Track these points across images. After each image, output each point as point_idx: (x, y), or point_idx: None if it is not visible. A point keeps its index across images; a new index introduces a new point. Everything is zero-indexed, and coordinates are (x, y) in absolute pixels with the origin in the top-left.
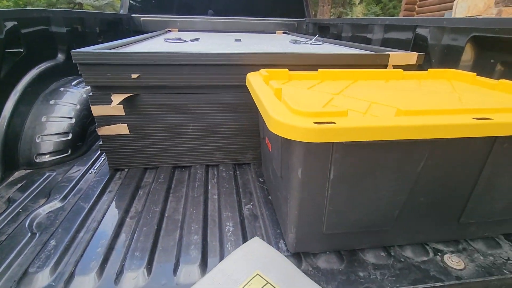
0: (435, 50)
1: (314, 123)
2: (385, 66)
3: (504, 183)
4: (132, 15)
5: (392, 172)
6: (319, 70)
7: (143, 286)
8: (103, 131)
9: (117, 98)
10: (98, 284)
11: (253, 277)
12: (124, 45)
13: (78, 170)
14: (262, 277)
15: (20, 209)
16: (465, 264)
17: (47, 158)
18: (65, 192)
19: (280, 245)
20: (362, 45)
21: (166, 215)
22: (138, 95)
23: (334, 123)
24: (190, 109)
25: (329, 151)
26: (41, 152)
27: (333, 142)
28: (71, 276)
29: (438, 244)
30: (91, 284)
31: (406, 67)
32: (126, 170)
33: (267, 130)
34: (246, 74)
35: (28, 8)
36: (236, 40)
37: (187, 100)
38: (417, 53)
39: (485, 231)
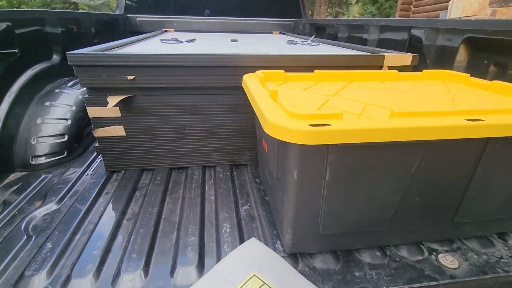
0: (429, 51)
1: (310, 125)
2: (381, 67)
3: (496, 183)
4: (128, 15)
5: (386, 173)
6: (315, 71)
7: None
8: (99, 132)
9: (113, 100)
10: (95, 287)
11: (250, 278)
12: (120, 46)
13: (74, 172)
14: (259, 278)
15: (16, 211)
16: (459, 263)
17: (42, 160)
18: (61, 194)
19: (276, 246)
20: (357, 45)
21: (163, 216)
22: (134, 96)
23: (329, 125)
24: (187, 110)
25: (324, 153)
26: (36, 154)
27: (328, 144)
28: (68, 279)
29: (433, 243)
30: (88, 287)
31: (401, 68)
32: (122, 171)
33: (263, 132)
34: (243, 75)
35: (22, 7)
36: (232, 40)
37: (184, 102)
38: (412, 54)
39: (478, 230)
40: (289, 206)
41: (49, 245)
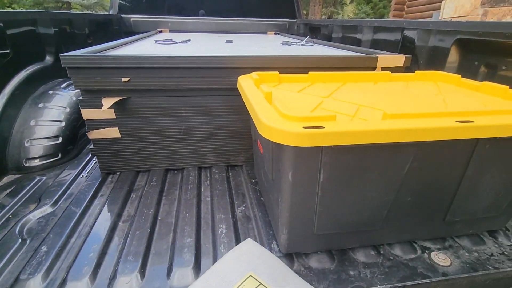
0: (422, 52)
1: (304, 127)
2: (374, 68)
3: (486, 182)
4: (122, 15)
5: (379, 174)
6: (309, 72)
7: None
8: (94, 134)
9: (107, 102)
10: None
11: (246, 279)
12: (114, 48)
13: (69, 174)
14: (255, 278)
15: (10, 215)
16: (451, 260)
17: (36, 162)
18: (56, 197)
19: (272, 246)
20: (351, 46)
21: (159, 218)
22: (129, 98)
23: (323, 127)
24: (182, 112)
25: (318, 154)
26: (30, 157)
27: (322, 146)
28: (64, 282)
29: (425, 242)
30: None
31: (394, 69)
32: (118, 173)
33: (258, 133)
34: (237, 76)
35: (13, 6)
36: (227, 41)
37: (179, 103)
38: (404, 56)
39: (470, 228)
40: (284, 207)
41: (44, 248)
